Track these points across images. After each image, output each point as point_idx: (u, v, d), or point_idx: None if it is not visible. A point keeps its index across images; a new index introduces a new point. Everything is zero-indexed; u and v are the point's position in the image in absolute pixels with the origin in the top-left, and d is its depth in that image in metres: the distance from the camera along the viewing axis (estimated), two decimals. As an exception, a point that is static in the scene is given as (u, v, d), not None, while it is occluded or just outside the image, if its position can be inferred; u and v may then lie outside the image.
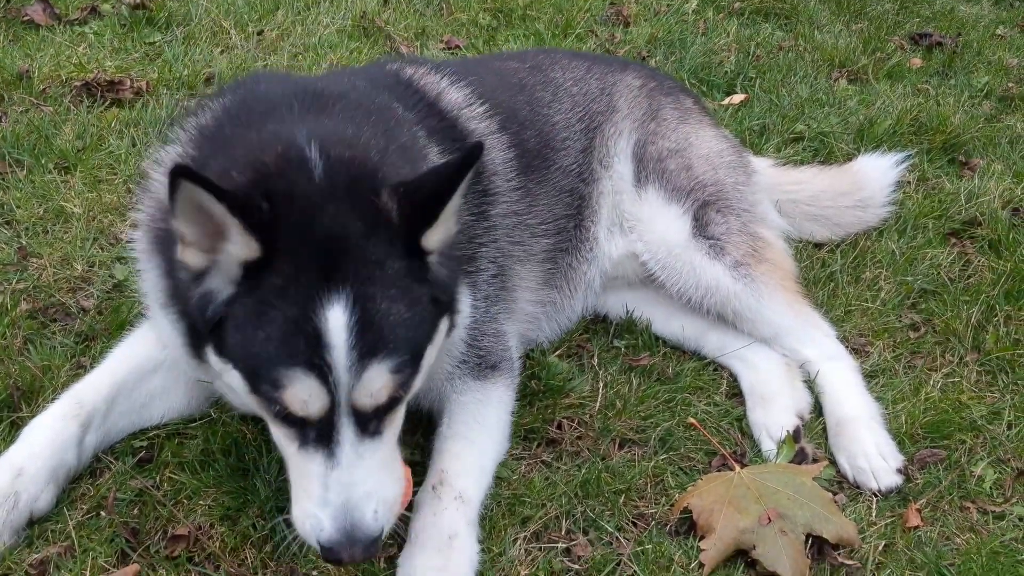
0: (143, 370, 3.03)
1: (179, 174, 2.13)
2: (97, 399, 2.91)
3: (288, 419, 2.31)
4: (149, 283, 2.80)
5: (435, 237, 2.40)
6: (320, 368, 2.20)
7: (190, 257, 2.33)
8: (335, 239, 2.28)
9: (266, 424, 2.50)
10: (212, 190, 2.16)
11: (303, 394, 2.23)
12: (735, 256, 3.55)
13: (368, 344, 2.22)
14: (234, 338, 2.30)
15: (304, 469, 2.34)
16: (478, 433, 2.97)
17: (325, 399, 2.24)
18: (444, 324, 2.56)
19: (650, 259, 3.63)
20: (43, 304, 3.54)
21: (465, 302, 2.97)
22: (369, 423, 2.31)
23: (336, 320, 2.20)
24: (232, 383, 2.41)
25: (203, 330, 2.39)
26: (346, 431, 2.28)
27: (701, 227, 3.59)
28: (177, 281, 2.50)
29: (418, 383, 2.44)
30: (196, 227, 2.26)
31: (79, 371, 3.19)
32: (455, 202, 2.39)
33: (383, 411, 2.33)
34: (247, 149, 2.47)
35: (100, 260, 3.82)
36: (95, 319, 3.50)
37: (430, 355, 2.47)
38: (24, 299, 3.52)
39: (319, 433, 2.29)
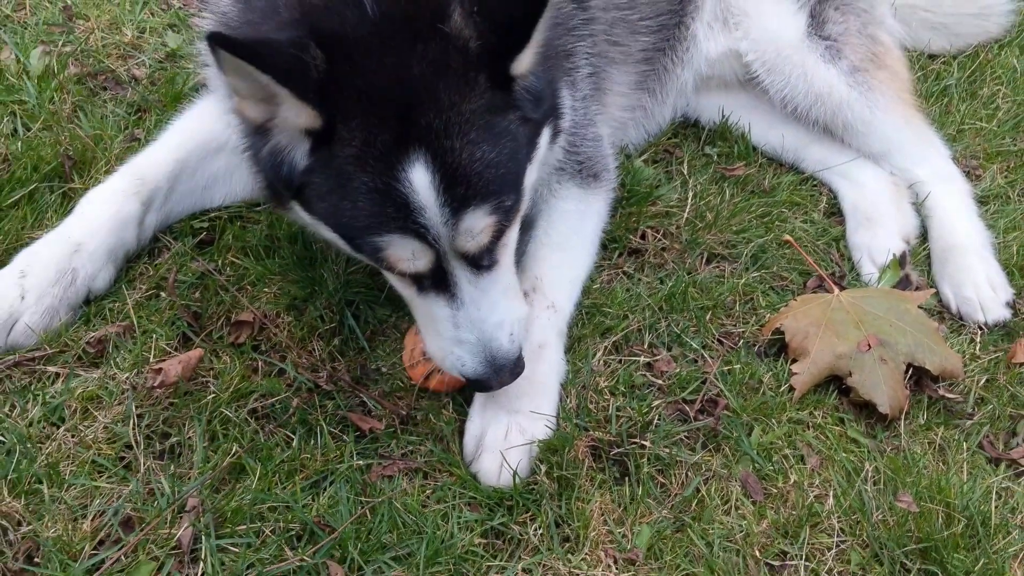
0: (207, 149, 2.81)
1: (217, 43, 1.86)
2: (159, 176, 2.71)
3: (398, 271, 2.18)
4: (226, 103, 2.47)
5: (527, 59, 2.12)
6: (416, 230, 2.05)
7: (248, 110, 2.09)
8: (402, 88, 2.02)
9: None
10: (254, 61, 1.88)
11: (405, 254, 2.10)
12: (852, 60, 3.21)
13: (458, 197, 2.05)
14: (320, 206, 2.14)
15: (429, 312, 2.23)
16: (576, 244, 2.76)
17: (429, 255, 2.11)
18: (546, 135, 2.32)
19: (755, 59, 3.29)
20: (92, 69, 3.28)
21: (566, 104, 2.67)
22: (481, 259, 2.19)
23: (420, 181, 2.01)
24: (328, 237, 2.25)
25: (281, 190, 2.19)
26: (460, 273, 2.17)
27: (818, 25, 3.22)
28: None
29: (524, 205, 2.29)
30: (248, 84, 2.00)
31: (132, 143, 2.98)
32: (549, 13, 2.07)
33: (492, 245, 2.19)
34: None
35: (151, 26, 3.54)
36: (147, 89, 3.25)
37: (531, 174, 2.29)
38: (72, 62, 3.26)
39: (434, 280, 2.18)
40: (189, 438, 2.35)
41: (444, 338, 2.22)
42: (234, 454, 2.30)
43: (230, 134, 2.70)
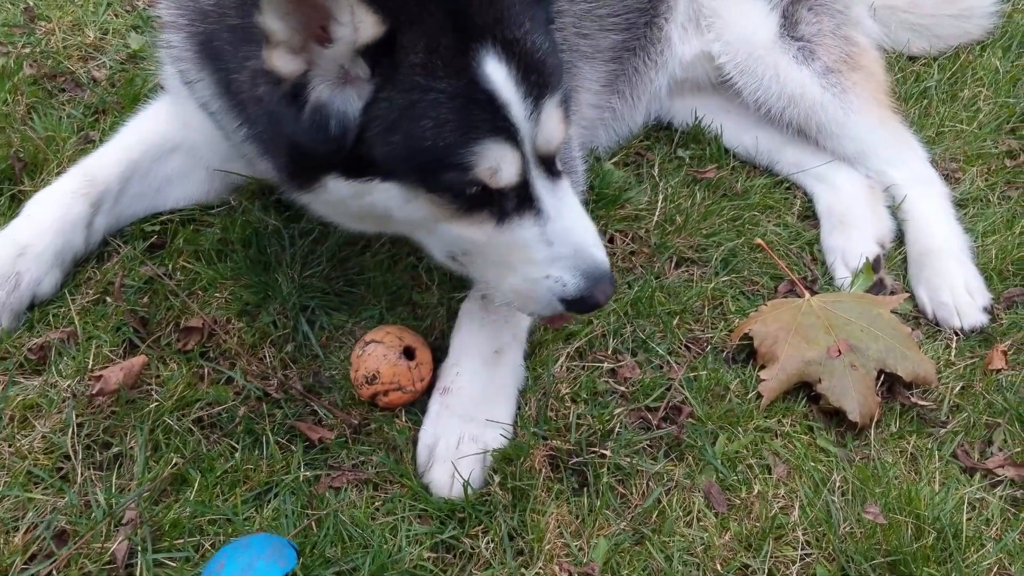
0: (160, 150, 2.73)
1: None
2: (110, 178, 2.64)
3: (476, 201, 2.07)
4: (205, 97, 2.40)
5: None
6: (506, 129, 2.01)
7: (280, 62, 1.96)
8: None
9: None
10: None
11: (497, 162, 2.02)
12: (826, 61, 3.14)
13: (535, 86, 2.04)
14: (390, 143, 1.99)
15: (514, 240, 2.11)
16: None
17: (517, 161, 2.05)
18: None
19: (727, 61, 3.23)
20: (50, 71, 3.22)
21: None
22: (552, 167, 2.15)
23: (498, 76, 1.99)
24: (379, 201, 2.09)
25: (330, 156, 2.03)
26: (541, 183, 2.11)
27: (790, 26, 3.16)
28: (254, 100, 2.12)
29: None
30: (289, 19, 1.90)
31: (87, 146, 2.91)
32: None
33: (557, 151, 2.17)
34: None
35: (114, 28, 3.48)
36: (107, 91, 3.18)
37: None
38: (29, 64, 3.20)
39: (517, 199, 2.09)
40: (130, 448, 2.27)
41: (537, 263, 2.11)
42: (175, 465, 2.23)
43: (186, 135, 2.66)
